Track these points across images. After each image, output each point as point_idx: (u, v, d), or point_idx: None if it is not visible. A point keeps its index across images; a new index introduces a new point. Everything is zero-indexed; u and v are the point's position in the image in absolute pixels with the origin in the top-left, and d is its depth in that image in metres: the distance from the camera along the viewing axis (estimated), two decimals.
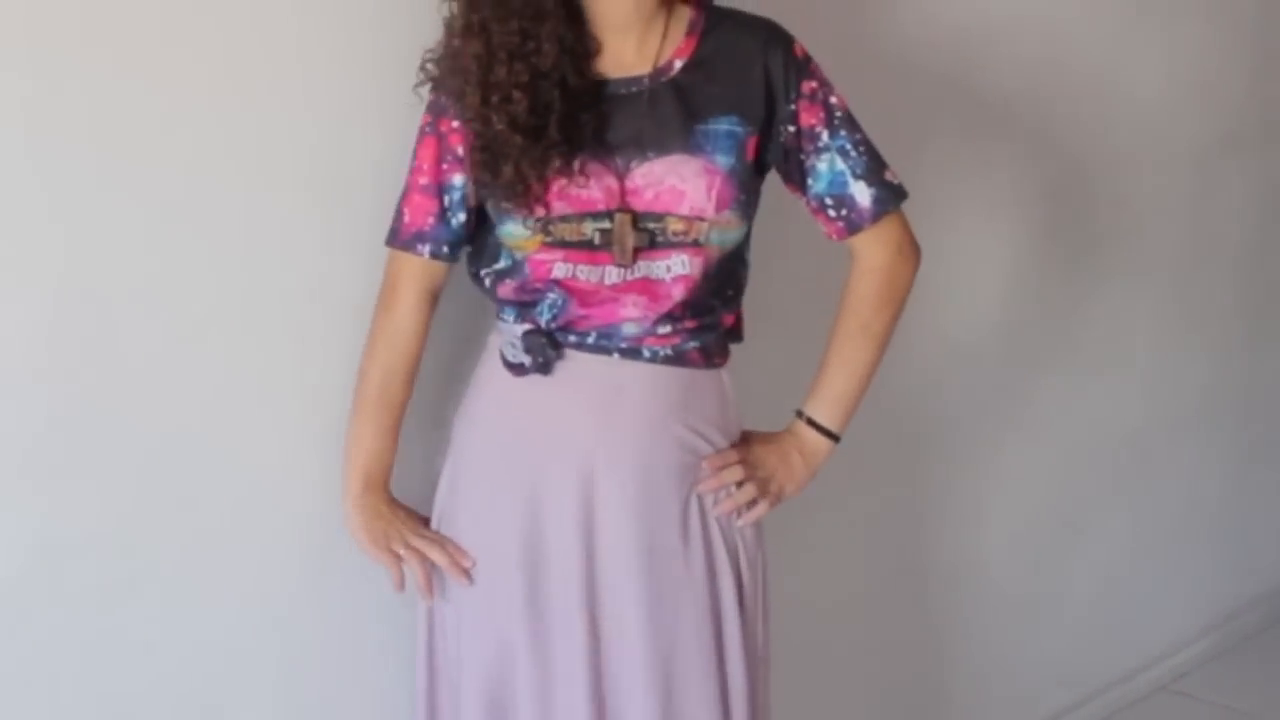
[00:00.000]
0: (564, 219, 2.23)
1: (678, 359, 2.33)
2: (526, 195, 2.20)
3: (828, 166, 2.33)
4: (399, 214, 2.32)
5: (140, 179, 2.20)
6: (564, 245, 2.24)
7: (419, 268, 2.33)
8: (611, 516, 2.31)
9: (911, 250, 2.44)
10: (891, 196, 2.37)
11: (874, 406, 3.20)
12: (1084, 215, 3.68)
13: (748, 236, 2.36)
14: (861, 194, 2.34)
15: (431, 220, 2.30)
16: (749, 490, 2.36)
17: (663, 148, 2.25)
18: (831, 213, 2.35)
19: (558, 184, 2.22)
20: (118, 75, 2.15)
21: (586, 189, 2.23)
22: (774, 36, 2.32)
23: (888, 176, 2.36)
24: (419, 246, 2.31)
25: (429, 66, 2.26)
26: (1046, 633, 3.81)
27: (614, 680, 2.32)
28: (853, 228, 2.36)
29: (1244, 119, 4.08)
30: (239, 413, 2.36)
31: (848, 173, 2.33)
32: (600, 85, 2.25)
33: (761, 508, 2.39)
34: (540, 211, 2.22)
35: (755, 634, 2.43)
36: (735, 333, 2.43)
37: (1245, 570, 4.42)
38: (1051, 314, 3.66)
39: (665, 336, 2.30)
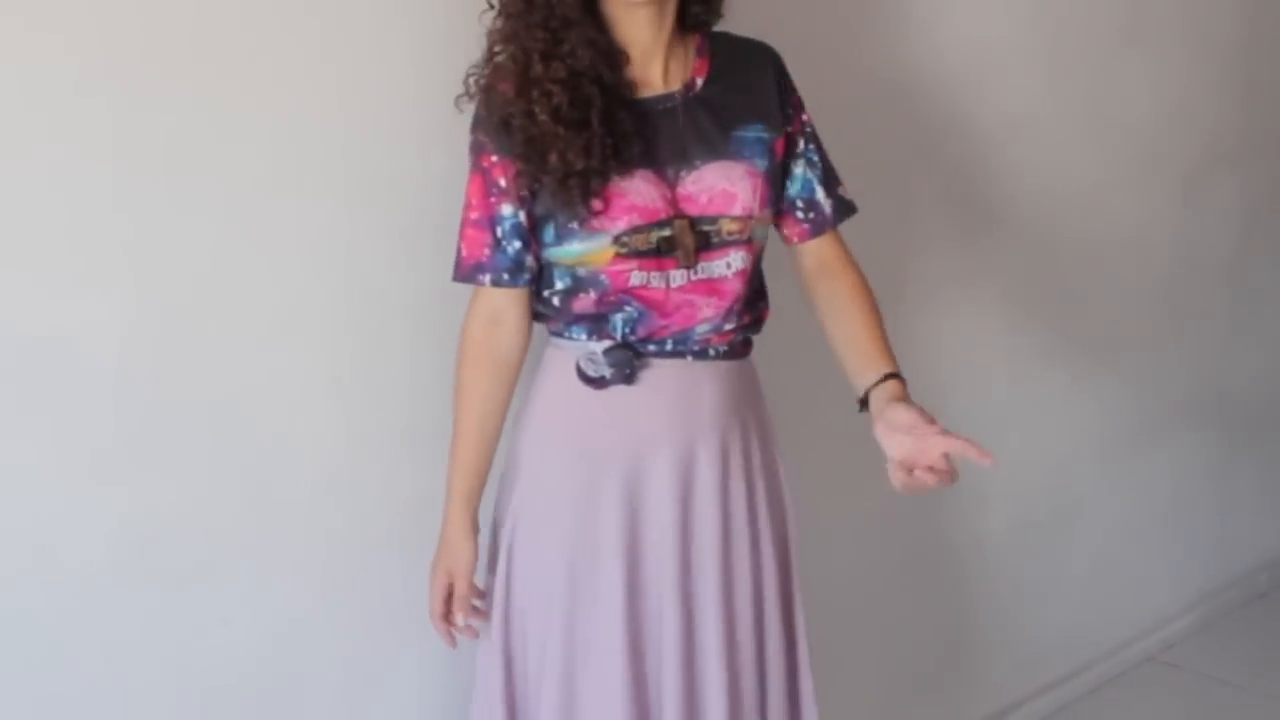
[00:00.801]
0: (636, 230, 2.19)
1: (731, 353, 2.33)
2: (584, 195, 2.14)
3: (801, 172, 2.35)
4: (457, 250, 2.25)
5: (211, 195, 2.20)
6: (637, 254, 2.20)
7: (482, 297, 2.27)
8: (699, 508, 2.30)
9: None
10: (846, 207, 2.40)
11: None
12: (1079, 227, 3.66)
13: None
14: (824, 201, 2.37)
15: (487, 251, 2.22)
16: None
17: (708, 155, 2.24)
18: (800, 214, 2.37)
19: (624, 199, 2.18)
20: (191, 100, 2.16)
21: (651, 200, 2.19)
22: (771, 53, 2.35)
23: (841, 190, 2.40)
24: (480, 276, 2.23)
25: (471, 82, 2.23)
26: (1046, 608, 3.80)
27: (700, 660, 2.31)
28: (817, 230, 2.37)
29: (1226, 139, 4.06)
30: (304, 409, 2.36)
31: (815, 180, 2.36)
32: (637, 99, 2.22)
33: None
34: (608, 225, 2.17)
35: (795, 609, 2.44)
36: (760, 323, 2.41)
37: (1226, 552, 4.40)
38: (1049, 318, 3.64)
39: (727, 333, 2.30)
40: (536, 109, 2.13)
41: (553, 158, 2.12)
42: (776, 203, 2.32)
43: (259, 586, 2.34)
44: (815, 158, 2.36)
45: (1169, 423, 4.08)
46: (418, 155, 2.38)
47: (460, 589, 2.34)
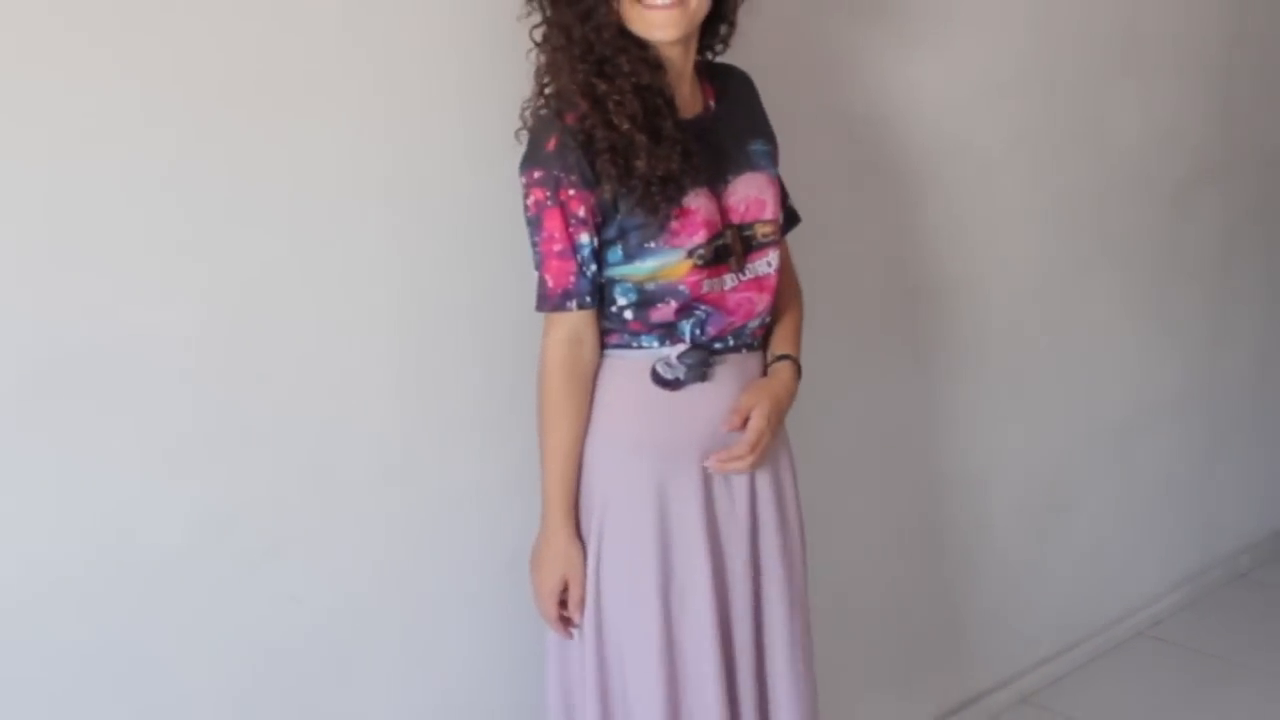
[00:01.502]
0: (709, 242, 2.20)
1: (763, 342, 2.35)
2: (668, 201, 2.13)
3: None
4: (542, 281, 2.19)
5: (276, 209, 2.20)
6: (707, 265, 2.20)
7: (563, 321, 2.20)
8: (761, 490, 2.31)
9: None
10: (794, 218, 2.43)
11: (890, 402, 3.19)
12: (1076, 238, 3.64)
13: None
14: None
15: (573, 278, 2.17)
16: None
17: (738, 169, 2.26)
18: None
19: (697, 215, 2.18)
20: (257, 124, 2.16)
21: (712, 214, 2.20)
22: (748, 76, 2.37)
23: (790, 203, 2.42)
24: (568, 303, 2.18)
25: (526, 115, 2.21)
26: (1044, 587, 3.77)
27: (768, 646, 2.34)
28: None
29: (1209, 158, 4.03)
30: (363, 404, 2.34)
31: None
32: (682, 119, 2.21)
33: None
34: (686, 241, 2.17)
35: (803, 579, 2.43)
36: None
37: (1210, 535, 4.37)
38: (1047, 321, 3.62)
39: (763, 326, 2.32)
40: (614, 118, 2.10)
41: (639, 163, 2.10)
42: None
43: (322, 567, 2.33)
44: (776, 173, 2.36)
45: (1158, 416, 4.05)
46: (467, 166, 2.36)
47: (575, 592, 2.27)
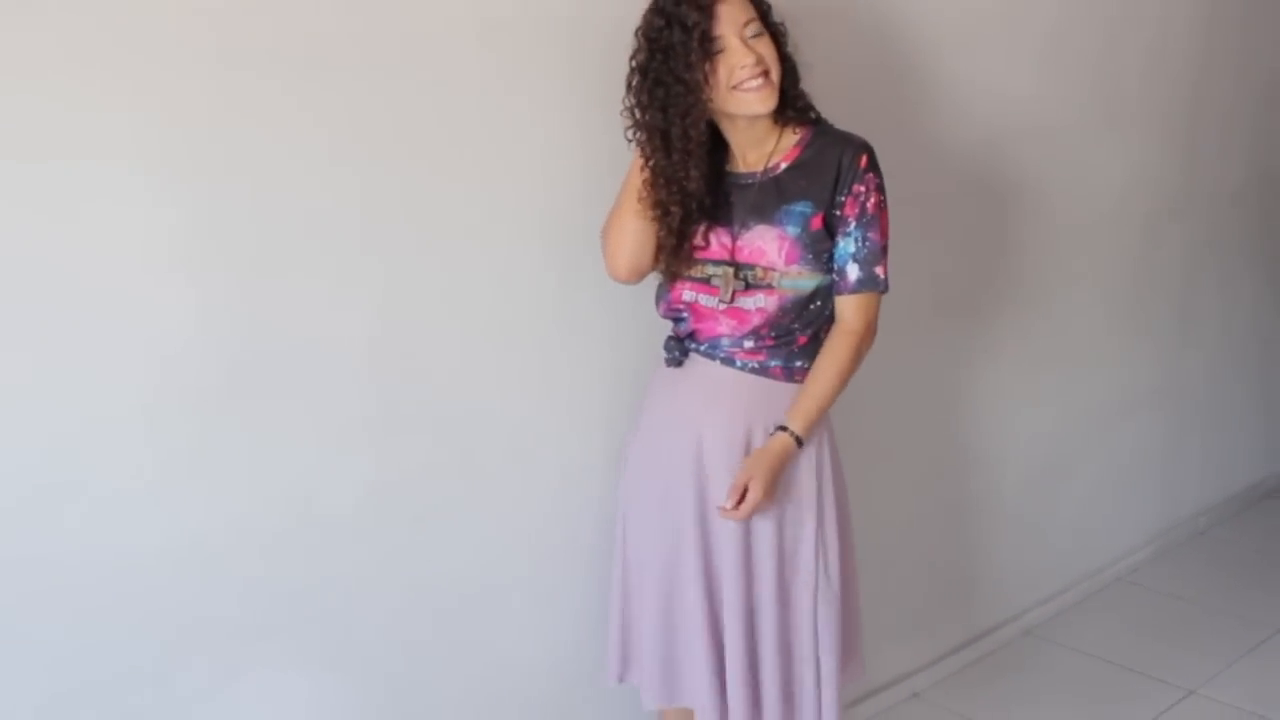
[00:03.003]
0: (696, 263, 2.18)
1: (761, 372, 2.18)
2: (676, 263, 2.18)
3: (843, 245, 2.13)
4: None
5: (438, 240, 2.17)
6: (692, 280, 2.18)
7: None
8: (710, 475, 2.19)
9: (874, 331, 2.19)
10: (871, 282, 2.14)
11: (921, 390, 3.11)
12: (1069, 260, 3.54)
13: (832, 284, 2.17)
14: (852, 271, 2.14)
15: None
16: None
17: (758, 221, 2.15)
18: (835, 276, 2.16)
19: (701, 244, 2.18)
20: (429, 169, 2.13)
21: (711, 248, 2.17)
22: (852, 146, 2.14)
23: (877, 270, 2.15)
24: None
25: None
26: (1043, 541, 3.68)
27: (718, 578, 2.21)
28: (838, 290, 2.16)
29: (1177, 196, 3.92)
30: (505, 393, 2.31)
31: (849, 255, 2.13)
32: (730, 172, 2.19)
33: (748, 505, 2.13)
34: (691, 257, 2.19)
35: (827, 557, 2.24)
36: (798, 352, 2.20)
37: (1177, 499, 4.27)
38: (1046, 327, 3.52)
39: (751, 352, 2.17)
40: (658, 226, 2.13)
41: (661, 260, 2.17)
42: (815, 262, 2.13)
43: (467, 527, 2.30)
44: (860, 237, 2.13)
45: (1135, 407, 3.94)
46: (583, 204, 2.30)
47: None
